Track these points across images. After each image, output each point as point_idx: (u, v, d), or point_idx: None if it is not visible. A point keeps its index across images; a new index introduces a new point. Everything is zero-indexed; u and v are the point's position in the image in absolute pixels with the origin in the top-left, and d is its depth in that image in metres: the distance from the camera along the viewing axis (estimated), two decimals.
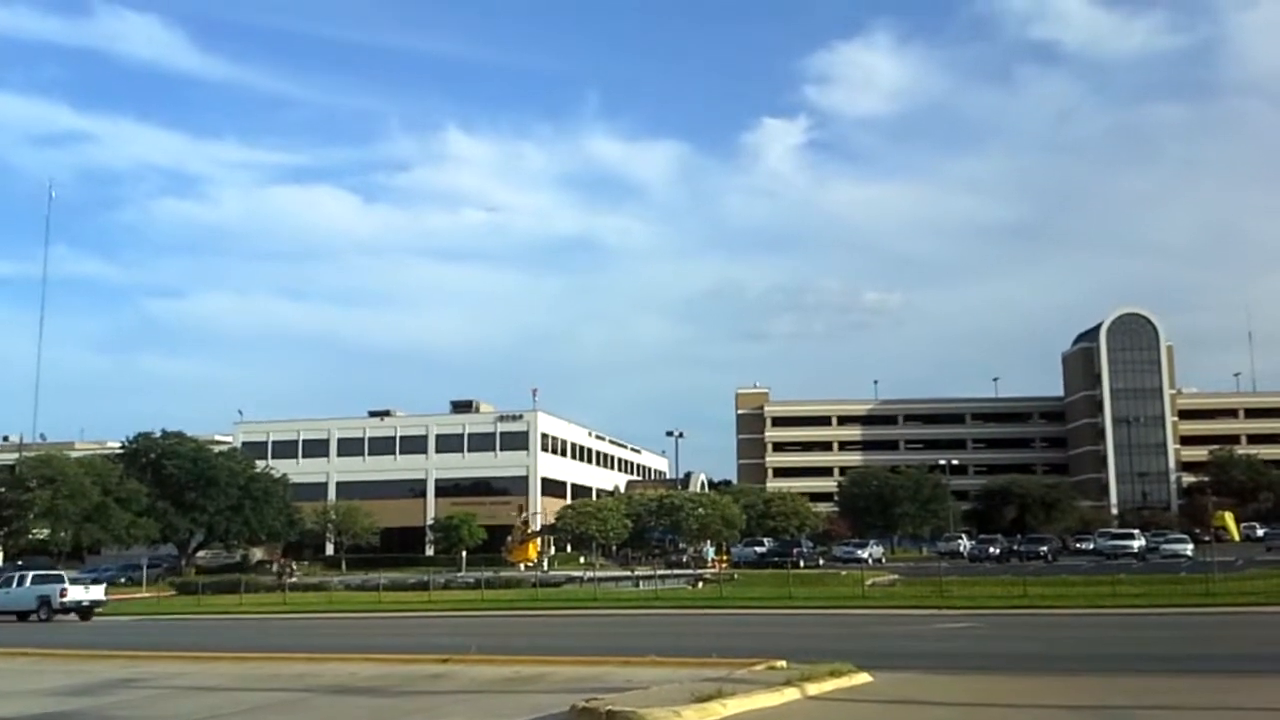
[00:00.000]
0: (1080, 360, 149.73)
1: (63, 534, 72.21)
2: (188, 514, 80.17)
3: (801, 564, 70.88)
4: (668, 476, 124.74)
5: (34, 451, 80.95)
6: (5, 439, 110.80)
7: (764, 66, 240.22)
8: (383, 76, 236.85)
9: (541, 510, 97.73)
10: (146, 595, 62.27)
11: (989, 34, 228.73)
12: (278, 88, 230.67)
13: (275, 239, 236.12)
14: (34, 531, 74.37)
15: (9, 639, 31.01)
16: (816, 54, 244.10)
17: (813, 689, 14.63)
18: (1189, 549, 72.94)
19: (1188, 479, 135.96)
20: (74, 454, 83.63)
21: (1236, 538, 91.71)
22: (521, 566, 75.46)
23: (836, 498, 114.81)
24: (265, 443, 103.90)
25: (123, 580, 75.57)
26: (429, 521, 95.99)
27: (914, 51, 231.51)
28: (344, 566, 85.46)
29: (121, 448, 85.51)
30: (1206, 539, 70.42)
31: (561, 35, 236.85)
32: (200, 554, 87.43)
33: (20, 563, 76.98)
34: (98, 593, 46.35)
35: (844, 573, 61.89)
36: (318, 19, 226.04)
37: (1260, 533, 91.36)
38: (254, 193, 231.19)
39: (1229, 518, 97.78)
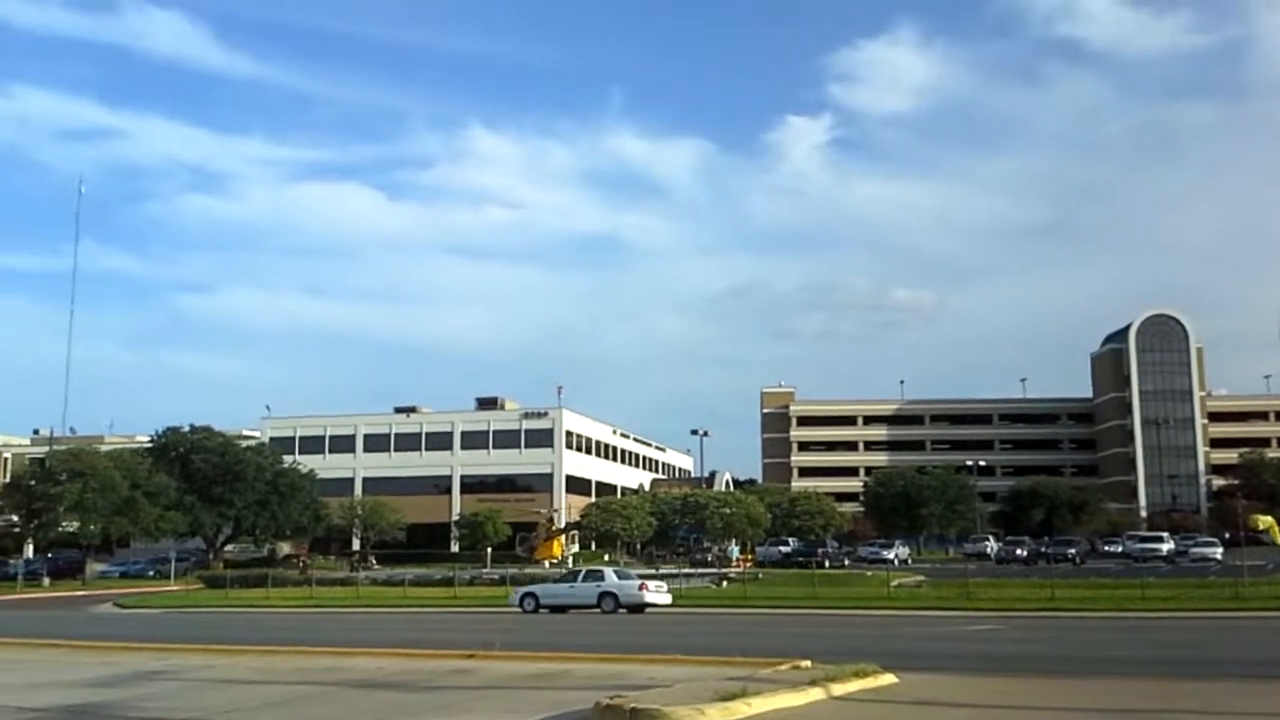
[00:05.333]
0: (1109, 361, 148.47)
1: (92, 527, 73.01)
2: (215, 508, 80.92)
3: (827, 564, 70.68)
4: (692, 475, 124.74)
5: (64, 445, 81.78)
6: (36, 433, 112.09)
7: (788, 64, 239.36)
8: (407, 74, 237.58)
9: (566, 507, 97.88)
10: (175, 588, 62.90)
11: (1014, 31, 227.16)
12: (303, 85, 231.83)
13: (301, 235, 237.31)
14: (64, 524, 75.19)
15: (43, 630, 31.38)
16: (841, 51, 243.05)
17: (837, 689, 14.58)
18: (1218, 552, 72.20)
19: (1218, 482, 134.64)
20: (103, 448, 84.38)
21: (1279, 540, 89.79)
22: (546, 564, 75.60)
23: (862, 498, 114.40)
24: (292, 438, 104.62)
25: (151, 573, 76.48)
26: (454, 518, 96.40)
27: (939, 49, 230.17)
28: (370, 561, 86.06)
29: (150, 442, 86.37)
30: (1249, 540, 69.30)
31: (585, 33, 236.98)
32: (228, 548, 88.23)
33: (50, 554, 77.90)
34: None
35: (869, 573, 61.62)
36: (341, 16, 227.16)
37: None
38: (280, 189, 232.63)
39: (1271, 521, 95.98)
